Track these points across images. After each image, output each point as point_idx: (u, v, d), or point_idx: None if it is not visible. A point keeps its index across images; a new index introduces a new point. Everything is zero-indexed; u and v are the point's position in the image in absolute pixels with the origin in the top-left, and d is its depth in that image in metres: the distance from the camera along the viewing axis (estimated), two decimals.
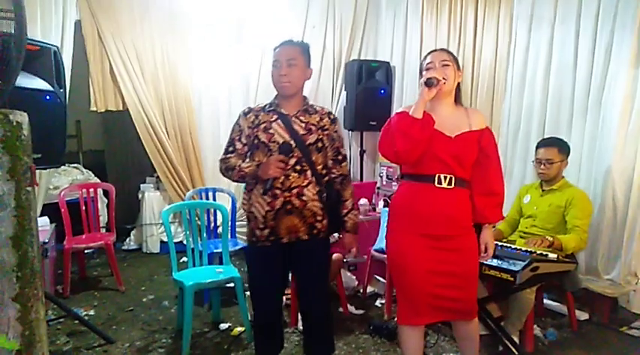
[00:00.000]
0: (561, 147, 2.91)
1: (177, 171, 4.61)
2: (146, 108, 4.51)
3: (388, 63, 4.70)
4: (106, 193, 4.47)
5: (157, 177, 4.76)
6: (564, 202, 2.82)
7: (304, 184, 2.09)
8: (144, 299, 3.61)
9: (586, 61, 3.19)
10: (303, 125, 2.12)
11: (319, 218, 2.14)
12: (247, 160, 2.15)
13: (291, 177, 2.07)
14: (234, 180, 2.19)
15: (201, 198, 3.87)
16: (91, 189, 4.02)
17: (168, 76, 4.57)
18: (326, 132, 2.16)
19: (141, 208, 4.84)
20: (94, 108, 4.46)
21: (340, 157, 2.23)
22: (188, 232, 3.05)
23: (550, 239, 2.63)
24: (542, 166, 2.92)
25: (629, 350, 2.75)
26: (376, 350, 2.81)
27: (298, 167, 2.08)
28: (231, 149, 2.17)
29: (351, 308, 3.33)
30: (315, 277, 2.24)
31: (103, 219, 4.45)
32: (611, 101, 3.07)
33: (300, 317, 2.59)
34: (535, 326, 2.87)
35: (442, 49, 2.12)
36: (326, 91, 4.84)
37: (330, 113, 2.23)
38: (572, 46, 3.27)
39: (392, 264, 2.14)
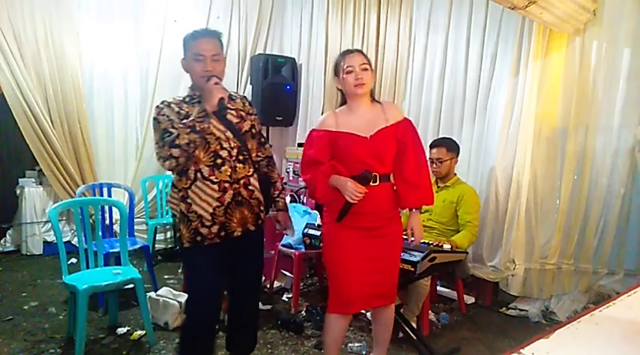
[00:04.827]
0: (449, 145, 3.14)
1: (65, 165, 4.20)
2: (26, 94, 4.04)
3: (294, 59, 4.72)
4: None
5: (40, 170, 4.29)
6: (456, 198, 3.07)
7: (249, 174, 2.07)
8: (25, 307, 3.23)
9: (475, 66, 3.50)
10: (234, 112, 2.07)
11: (262, 207, 2.13)
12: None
13: (238, 169, 2.02)
14: (180, 159, 1.88)
15: (95, 195, 3.56)
16: None
17: (53, 59, 4.13)
18: (252, 117, 2.14)
19: (20, 205, 4.33)
20: None
21: (263, 140, 2.23)
22: (80, 231, 2.80)
23: (448, 245, 2.70)
24: (433, 165, 3.14)
25: (509, 327, 3.09)
26: (284, 344, 2.83)
27: (241, 157, 2.04)
28: (166, 136, 1.91)
29: None
30: (257, 269, 2.23)
31: None
32: (496, 106, 3.41)
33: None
34: (429, 311, 3.09)
35: (358, 51, 2.12)
36: (231, 84, 4.72)
37: (244, 96, 2.22)
38: (463, 52, 3.57)
39: (327, 253, 2.17)
